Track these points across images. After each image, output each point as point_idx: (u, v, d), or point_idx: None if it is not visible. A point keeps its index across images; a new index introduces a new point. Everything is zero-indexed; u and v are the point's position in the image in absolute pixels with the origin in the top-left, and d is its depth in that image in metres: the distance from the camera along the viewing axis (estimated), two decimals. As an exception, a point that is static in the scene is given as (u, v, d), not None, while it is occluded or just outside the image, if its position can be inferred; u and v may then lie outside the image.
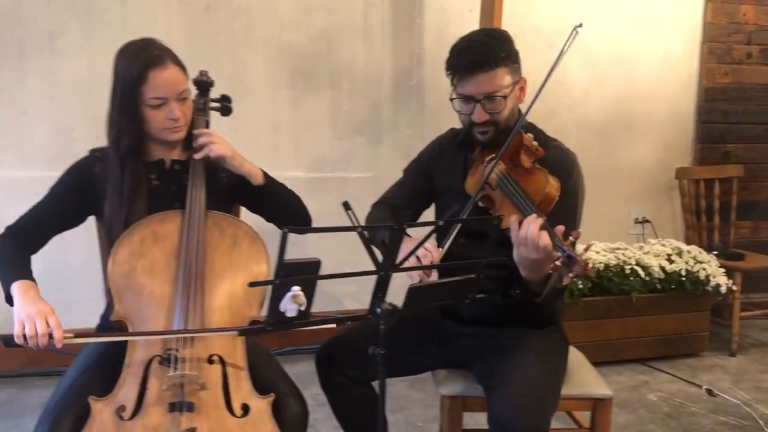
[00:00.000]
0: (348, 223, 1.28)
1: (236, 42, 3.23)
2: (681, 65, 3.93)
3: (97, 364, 1.67)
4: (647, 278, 3.31)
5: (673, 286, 3.35)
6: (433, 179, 2.01)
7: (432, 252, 1.68)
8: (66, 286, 3.14)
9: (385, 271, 1.28)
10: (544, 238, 1.50)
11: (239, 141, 3.31)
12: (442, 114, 3.49)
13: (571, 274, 1.45)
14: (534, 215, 1.55)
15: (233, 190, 1.85)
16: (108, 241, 1.75)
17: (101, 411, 1.48)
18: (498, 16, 3.09)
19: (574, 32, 1.76)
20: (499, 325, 1.89)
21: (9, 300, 1.61)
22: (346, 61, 3.38)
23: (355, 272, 1.29)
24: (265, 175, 1.85)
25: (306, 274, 1.20)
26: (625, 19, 3.76)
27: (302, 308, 1.23)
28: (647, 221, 3.98)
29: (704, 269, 3.37)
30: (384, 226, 1.26)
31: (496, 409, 1.68)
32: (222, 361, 1.58)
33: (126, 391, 1.52)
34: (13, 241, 1.73)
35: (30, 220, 1.77)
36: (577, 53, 3.71)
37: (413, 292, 1.33)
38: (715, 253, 3.57)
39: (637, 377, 3.27)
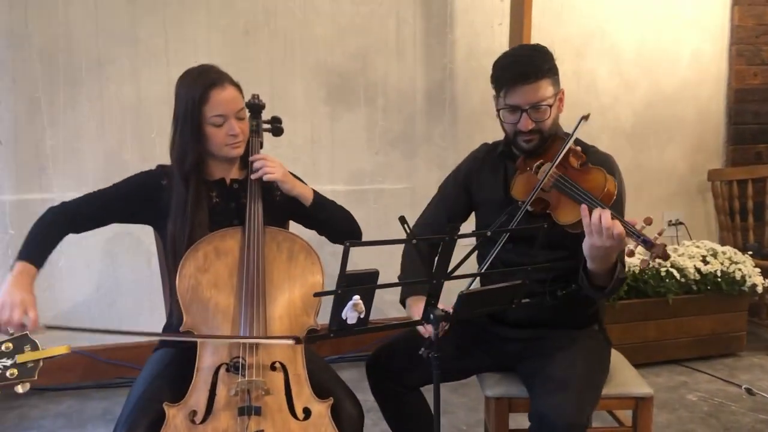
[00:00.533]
0: (402, 235, 1.37)
1: (274, 63, 3.36)
2: (709, 68, 3.98)
3: (166, 372, 1.78)
4: (683, 280, 3.35)
5: (708, 287, 3.39)
6: (471, 192, 2.09)
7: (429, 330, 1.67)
8: (118, 300, 3.29)
9: (437, 280, 1.38)
10: (618, 226, 1.61)
11: (280, 157, 3.44)
12: (473, 125, 3.60)
13: (651, 258, 1.57)
14: (600, 207, 1.66)
15: (287, 207, 1.96)
16: (172, 255, 1.85)
17: (175, 416, 1.59)
18: (527, 29, 3.18)
19: (582, 121, 1.88)
20: (544, 326, 1.97)
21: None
22: (380, 77, 3.50)
23: (409, 281, 1.38)
24: (316, 194, 1.96)
25: (365, 283, 1.30)
26: (651, 23, 3.83)
27: (362, 316, 1.33)
28: (681, 223, 4.02)
29: (740, 270, 3.40)
30: (436, 237, 1.36)
31: (536, 404, 1.77)
32: (284, 368, 1.69)
33: (197, 397, 1.63)
34: (58, 217, 1.84)
35: (84, 201, 1.89)
36: (604, 59, 3.78)
37: (464, 299, 1.42)
38: (750, 253, 3.59)
39: (675, 378, 3.31)
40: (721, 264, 3.42)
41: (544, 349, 1.93)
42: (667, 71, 3.90)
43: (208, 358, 1.67)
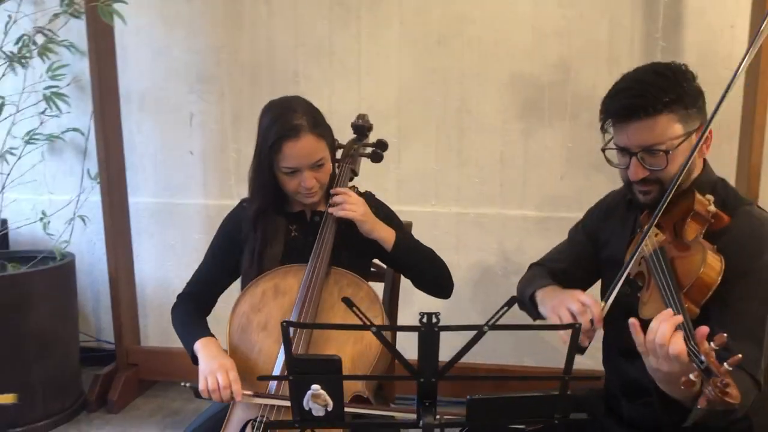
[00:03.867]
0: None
1: (466, 74, 3.12)
2: None
3: (221, 414, 1.70)
4: None
5: None
6: (599, 244, 1.70)
7: (591, 307, 1.40)
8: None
9: (425, 378, 1.06)
10: (676, 344, 1.13)
11: (463, 176, 3.19)
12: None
13: (709, 393, 1.06)
14: (669, 310, 1.18)
15: (369, 246, 1.78)
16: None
17: (197, 470, 1.51)
18: (769, 29, 2.49)
19: None
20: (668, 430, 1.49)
21: (195, 360, 1.67)
22: (587, 89, 3.04)
23: (387, 375, 1.10)
24: (398, 239, 1.75)
25: (324, 372, 1.05)
26: None
27: (329, 408, 1.08)
28: None
29: None
30: (408, 327, 1.03)
31: None
32: (319, 434, 1.49)
33: (220, 453, 1.52)
34: (187, 306, 1.82)
35: (197, 283, 1.86)
36: None
37: (473, 405, 1.08)
38: None
39: None
40: None
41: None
42: None
43: (238, 412, 1.56)
